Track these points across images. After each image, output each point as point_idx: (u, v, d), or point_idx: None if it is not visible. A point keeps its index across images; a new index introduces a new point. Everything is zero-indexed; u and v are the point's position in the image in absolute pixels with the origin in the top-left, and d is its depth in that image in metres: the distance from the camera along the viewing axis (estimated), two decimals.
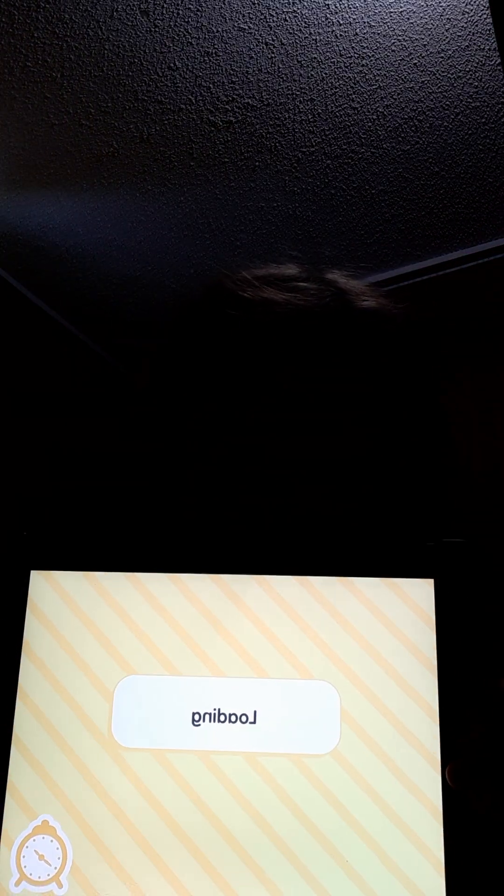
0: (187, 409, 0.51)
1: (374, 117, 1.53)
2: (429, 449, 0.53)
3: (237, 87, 1.47)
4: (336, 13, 1.34)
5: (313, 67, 1.44)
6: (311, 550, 0.42)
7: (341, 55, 1.41)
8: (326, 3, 1.33)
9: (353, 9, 1.34)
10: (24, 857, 0.38)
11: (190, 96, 1.48)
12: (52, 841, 0.38)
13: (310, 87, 1.47)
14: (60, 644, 0.41)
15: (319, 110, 1.52)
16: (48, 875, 0.38)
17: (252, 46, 1.40)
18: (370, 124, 1.54)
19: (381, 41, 1.39)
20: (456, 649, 0.40)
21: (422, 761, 0.39)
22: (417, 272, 1.86)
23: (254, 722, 0.39)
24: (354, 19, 1.36)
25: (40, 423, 1.86)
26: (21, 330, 1.95)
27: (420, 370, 0.54)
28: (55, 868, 0.38)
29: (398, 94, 1.48)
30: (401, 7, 1.34)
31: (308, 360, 0.50)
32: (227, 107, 1.50)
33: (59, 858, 0.38)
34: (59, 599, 0.42)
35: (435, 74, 1.45)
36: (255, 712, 0.39)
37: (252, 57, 1.41)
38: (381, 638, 0.40)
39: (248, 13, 1.34)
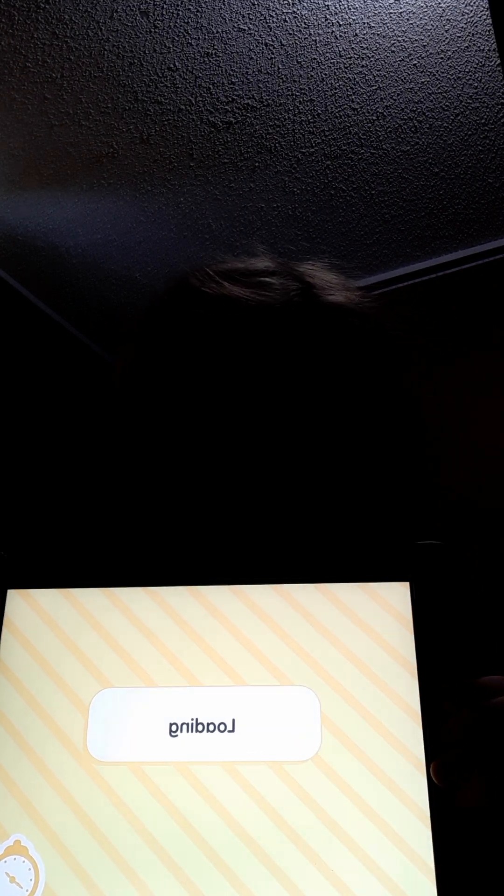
0: (155, 415, 0.50)
1: (374, 118, 1.53)
2: (401, 449, 0.52)
3: (237, 88, 1.47)
4: (335, 14, 1.34)
5: (313, 68, 1.43)
6: (285, 558, 0.42)
7: (341, 56, 1.41)
8: (326, 4, 1.33)
9: (352, 10, 1.34)
10: None
11: (190, 97, 1.48)
12: (23, 862, 0.37)
13: (309, 88, 1.47)
14: (36, 660, 0.41)
15: (319, 111, 1.51)
16: None
17: (252, 47, 1.40)
18: (370, 125, 1.54)
19: (381, 42, 1.39)
20: (434, 650, 0.40)
21: (406, 764, 0.38)
22: (417, 273, 1.86)
23: (232, 730, 0.38)
24: (354, 20, 1.35)
25: (35, 431, 1.85)
26: (21, 330, 1.95)
27: (389, 366, 0.53)
28: (27, 891, 0.37)
29: (398, 94, 1.48)
30: (400, 8, 1.33)
31: (271, 357, 0.49)
32: (226, 107, 1.50)
33: (31, 880, 0.37)
34: (36, 617, 0.41)
35: (434, 75, 1.45)
36: (233, 720, 0.39)
37: (252, 58, 1.41)
38: (359, 642, 0.40)
39: (248, 14, 1.34)
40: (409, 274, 1.87)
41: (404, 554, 0.41)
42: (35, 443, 1.85)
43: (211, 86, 1.47)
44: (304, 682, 0.39)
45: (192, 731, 0.39)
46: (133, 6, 1.32)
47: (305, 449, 0.47)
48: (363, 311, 0.54)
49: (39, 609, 0.42)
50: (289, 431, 0.48)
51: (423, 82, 1.46)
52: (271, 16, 1.35)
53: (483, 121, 1.53)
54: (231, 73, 1.44)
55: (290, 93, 1.48)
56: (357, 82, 1.46)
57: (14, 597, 0.42)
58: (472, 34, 1.38)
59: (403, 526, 0.50)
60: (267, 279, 0.53)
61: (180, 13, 1.34)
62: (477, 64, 1.43)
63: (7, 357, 1.87)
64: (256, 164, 1.62)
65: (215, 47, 1.40)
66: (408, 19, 1.36)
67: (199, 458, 0.47)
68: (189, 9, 1.33)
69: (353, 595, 0.41)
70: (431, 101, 1.50)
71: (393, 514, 0.49)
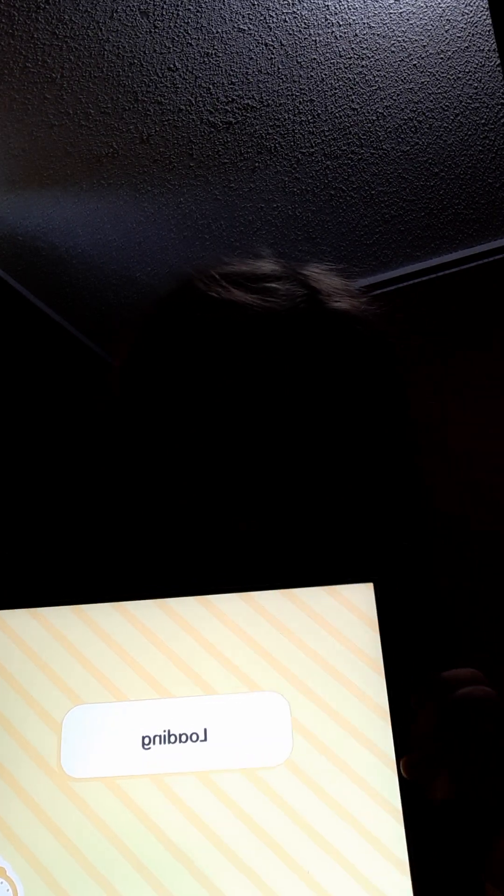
0: (152, 421, 0.50)
1: (374, 118, 1.53)
2: (392, 455, 0.52)
3: (237, 88, 1.47)
4: (335, 14, 1.34)
5: (313, 68, 1.43)
6: (249, 566, 0.42)
7: (341, 56, 1.41)
8: (326, 4, 1.33)
9: (352, 10, 1.34)
10: None
11: (189, 97, 1.48)
12: (1, 882, 0.37)
13: (309, 88, 1.47)
14: (7, 681, 0.41)
15: (319, 111, 1.51)
16: None
17: (252, 47, 1.40)
18: (370, 125, 1.54)
19: (381, 42, 1.39)
20: (400, 648, 0.40)
21: (377, 762, 0.38)
22: (417, 273, 1.86)
23: (205, 740, 0.39)
24: (354, 20, 1.35)
25: (34, 432, 1.84)
26: (21, 330, 1.95)
27: (389, 374, 0.53)
28: None
29: (398, 94, 1.48)
30: (400, 8, 1.33)
31: (275, 364, 0.49)
32: (226, 108, 1.50)
33: None
34: (5, 637, 0.41)
35: (434, 75, 1.45)
36: (205, 730, 0.39)
37: (252, 58, 1.41)
38: (326, 644, 0.40)
39: (248, 14, 1.34)
40: (409, 274, 1.87)
41: (367, 555, 0.42)
42: (33, 447, 1.85)
43: (211, 86, 1.47)
44: (273, 687, 0.40)
45: (164, 742, 0.39)
46: (133, 6, 1.32)
47: (290, 455, 0.47)
48: (367, 317, 0.54)
49: (7, 629, 0.42)
50: (278, 438, 0.47)
51: (423, 82, 1.46)
52: (271, 16, 1.35)
53: (483, 121, 1.53)
54: (231, 73, 1.44)
55: (290, 93, 1.48)
56: (357, 82, 1.46)
57: None
58: (472, 34, 1.38)
59: (365, 527, 0.50)
60: (273, 284, 0.52)
61: (180, 13, 1.34)
62: (477, 64, 1.43)
63: (7, 357, 1.88)
64: (256, 164, 1.62)
65: (215, 47, 1.40)
66: (408, 19, 1.36)
67: (172, 468, 0.47)
68: (189, 9, 1.33)
69: (317, 598, 0.41)
70: (431, 101, 1.49)
71: (368, 517, 0.49)
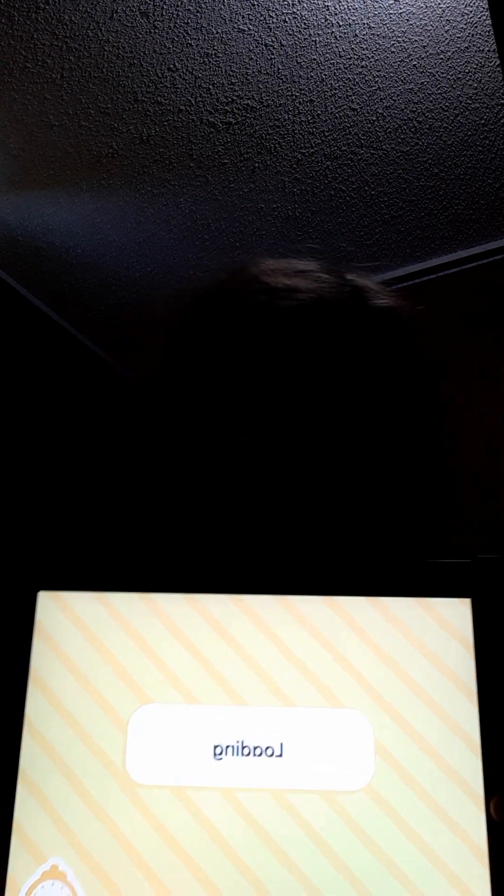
0: (198, 406, 0.48)
1: (374, 118, 1.53)
2: (439, 454, 0.50)
3: (237, 89, 1.47)
4: (335, 14, 1.34)
5: (313, 69, 1.43)
6: (338, 568, 0.39)
7: (341, 56, 1.41)
8: (326, 4, 1.32)
9: (352, 10, 1.34)
10: None
11: (189, 97, 1.48)
12: (62, 887, 0.35)
13: (309, 89, 1.47)
14: (70, 671, 0.37)
15: (319, 111, 1.51)
16: None
17: (252, 48, 1.39)
18: (370, 125, 1.54)
19: (381, 43, 1.39)
20: (497, 674, 0.37)
21: (463, 797, 0.35)
22: (417, 273, 1.86)
23: (280, 755, 0.36)
24: (354, 21, 1.35)
25: (43, 431, 1.84)
26: (20, 331, 1.94)
27: (430, 374, 0.52)
28: None
29: (397, 95, 1.48)
30: (400, 8, 1.33)
31: (324, 350, 0.47)
32: (226, 108, 1.50)
33: None
34: (69, 622, 0.38)
35: (434, 76, 1.45)
36: (281, 745, 0.36)
37: (252, 58, 1.41)
38: (415, 663, 0.37)
39: (248, 15, 1.34)
40: (409, 274, 1.87)
41: (465, 568, 0.38)
42: (35, 442, 1.85)
43: (211, 86, 1.46)
44: (355, 705, 0.37)
45: (237, 754, 0.36)
46: (133, 7, 1.32)
47: (358, 448, 0.46)
48: (410, 317, 0.53)
49: (72, 613, 0.39)
50: (342, 436, 0.46)
51: (422, 83, 1.46)
52: (271, 16, 1.34)
53: (483, 121, 1.53)
54: (231, 73, 1.44)
55: (290, 93, 1.48)
56: (357, 83, 1.46)
57: (45, 599, 0.39)
58: (472, 35, 1.38)
59: (458, 536, 0.48)
60: (324, 275, 0.52)
61: (180, 14, 1.33)
62: (476, 65, 1.43)
63: (7, 357, 1.87)
64: (256, 164, 1.62)
65: (215, 48, 1.39)
66: (408, 19, 1.36)
67: (240, 454, 0.45)
68: (189, 10, 1.32)
69: (409, 611, 0.38)
70: (431, 101, 1.50)
71: (440, 521, 0.48)
